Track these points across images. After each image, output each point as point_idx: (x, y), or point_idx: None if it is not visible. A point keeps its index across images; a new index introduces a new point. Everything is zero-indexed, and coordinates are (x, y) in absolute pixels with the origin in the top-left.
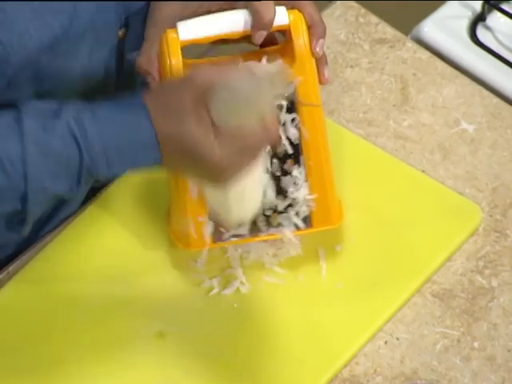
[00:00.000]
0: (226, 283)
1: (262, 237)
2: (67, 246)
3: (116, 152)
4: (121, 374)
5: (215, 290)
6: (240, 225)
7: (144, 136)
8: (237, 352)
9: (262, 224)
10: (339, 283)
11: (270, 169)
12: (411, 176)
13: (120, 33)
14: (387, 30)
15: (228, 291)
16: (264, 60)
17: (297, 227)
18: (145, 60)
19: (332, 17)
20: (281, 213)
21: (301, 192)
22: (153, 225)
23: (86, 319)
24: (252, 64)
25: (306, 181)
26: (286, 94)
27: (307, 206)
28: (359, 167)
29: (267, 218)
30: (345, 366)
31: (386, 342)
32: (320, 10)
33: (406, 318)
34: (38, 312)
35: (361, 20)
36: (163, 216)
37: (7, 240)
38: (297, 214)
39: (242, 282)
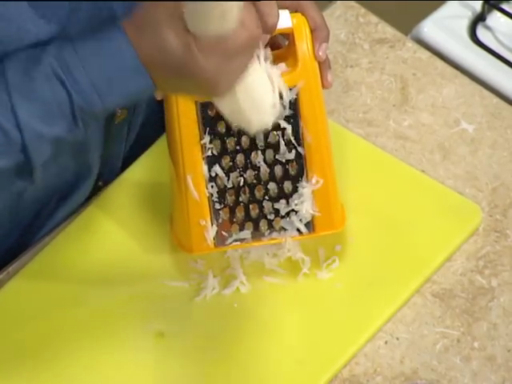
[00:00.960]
0: (225, 283)
1: (265, 241)
2: (67, 246)
3: (104, 83)
4: (121, 374)
5: (215, 290)
6: (264, 128)
7: (127, 60)
8: (236, 352)
9: (264, 228)
10: (339, 283)
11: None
12: (411, 176)
13: None
14: (387, 30)
15: (228, 291)
16: (268, 63)
17: (299, 232)
18: None
19: (332, 17)
20: (283, 217)
21: (304, 202)
22: (153, 225)
23: (86, 319)
24: None
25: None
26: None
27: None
28: (359, 167)
29: (269, 222)
30: (345, 365)
31: (386, 342)
32: (320, 9)
33: (406, 318)
34: (38, 312)
35: (361, 20)
36: (163, 216)
37: (20, 189)
38: (299, 218)
39: (241, 282)
